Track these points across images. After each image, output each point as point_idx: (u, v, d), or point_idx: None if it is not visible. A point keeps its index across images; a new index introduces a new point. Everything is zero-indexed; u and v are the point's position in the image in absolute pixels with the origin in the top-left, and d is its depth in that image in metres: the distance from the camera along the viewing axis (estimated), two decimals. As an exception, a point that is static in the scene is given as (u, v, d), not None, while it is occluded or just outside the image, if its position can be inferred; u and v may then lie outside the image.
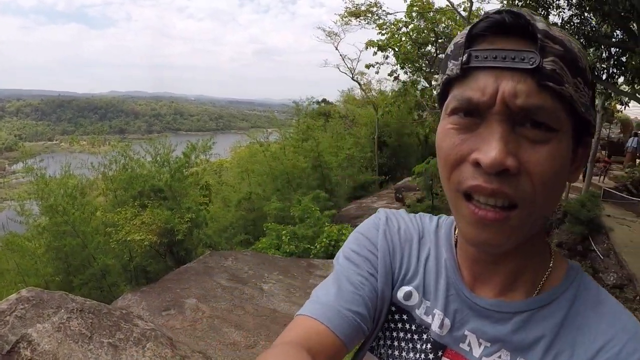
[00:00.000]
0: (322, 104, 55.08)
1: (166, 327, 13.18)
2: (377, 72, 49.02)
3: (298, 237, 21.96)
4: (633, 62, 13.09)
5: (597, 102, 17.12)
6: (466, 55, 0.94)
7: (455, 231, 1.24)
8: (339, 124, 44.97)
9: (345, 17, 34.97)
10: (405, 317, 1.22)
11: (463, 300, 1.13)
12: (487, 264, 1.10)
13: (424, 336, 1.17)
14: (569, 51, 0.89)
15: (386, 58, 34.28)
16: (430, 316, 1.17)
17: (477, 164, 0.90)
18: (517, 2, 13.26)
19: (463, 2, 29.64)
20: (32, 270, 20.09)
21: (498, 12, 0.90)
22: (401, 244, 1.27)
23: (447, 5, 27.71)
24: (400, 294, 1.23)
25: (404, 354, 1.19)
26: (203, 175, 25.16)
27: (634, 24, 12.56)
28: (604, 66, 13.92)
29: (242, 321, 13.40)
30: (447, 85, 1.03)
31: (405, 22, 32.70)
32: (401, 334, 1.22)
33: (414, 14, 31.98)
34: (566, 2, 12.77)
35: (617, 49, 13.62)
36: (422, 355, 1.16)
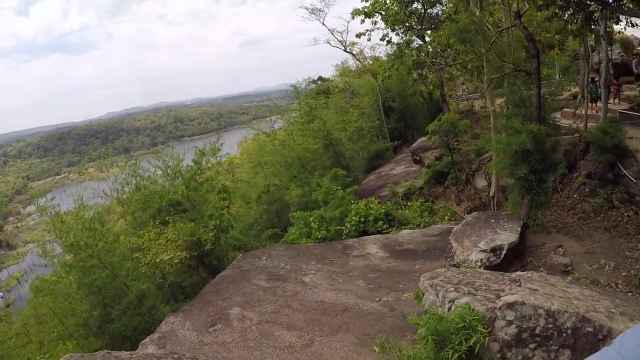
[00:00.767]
0: (319, 82, 54.64)
1: (217, 343, 12.78)
2: (368, 40, 48.20)
3: (326, 220, 21.55)
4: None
5: (600, 26, 16.65)
6: None
7: None
8: (341, 98, 44.55)
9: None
10: None
11: None
12: None
13: None
14: None
15: (375, 24, 33.30)
16: None
17: None
18: None
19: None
20: (68, 310, 19.77)
21: None
22: None
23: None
24: None
25: None
26: (218, 179, 24.68)
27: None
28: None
29: (292, 320, 12.99)
30: None
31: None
32: None
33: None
34: None
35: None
36: None
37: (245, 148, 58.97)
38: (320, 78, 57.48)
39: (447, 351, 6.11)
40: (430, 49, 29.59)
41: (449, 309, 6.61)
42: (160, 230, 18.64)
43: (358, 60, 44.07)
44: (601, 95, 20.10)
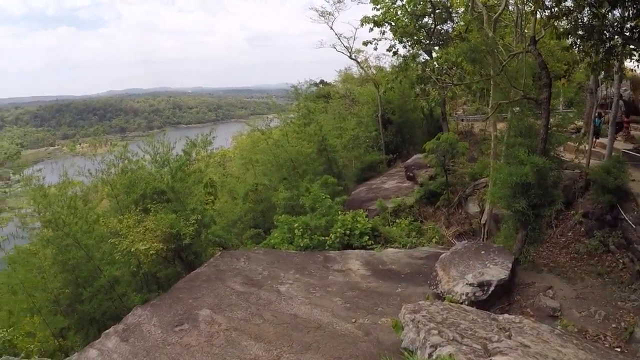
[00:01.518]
0: (320, 85, 54.28)
1: (180, 345, 12.17)
2: (375, 49, 47.84)
3: (311, 228, 20.90)
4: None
5: (615, 63, 16.18)
6: None
7: None
8: (340, 105, 44.16)
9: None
10: None
11: None
12: None
13: None
14: None
15: (383, 34, 33.01)
16: None
17: None
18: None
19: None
20: (40, 284, 19.32)
21: None
22: None
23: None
24: None
25: None
26: (206, 172, 24.13)
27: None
28: (632, 25, 12.86)
29: (262, 331, 12.34)
30: None
31: (401, -6, 31.28)
32: None
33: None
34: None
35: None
36: None
37: (239, 142, 58.51)
38: (322, 82, 57.04)
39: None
40: (437, 65, 29.25)
41: (430, 355, 5.94)
42: (141, 218, 17.99)
43: (362, 68, 43.67)
44: (607, 132, 19.51)
